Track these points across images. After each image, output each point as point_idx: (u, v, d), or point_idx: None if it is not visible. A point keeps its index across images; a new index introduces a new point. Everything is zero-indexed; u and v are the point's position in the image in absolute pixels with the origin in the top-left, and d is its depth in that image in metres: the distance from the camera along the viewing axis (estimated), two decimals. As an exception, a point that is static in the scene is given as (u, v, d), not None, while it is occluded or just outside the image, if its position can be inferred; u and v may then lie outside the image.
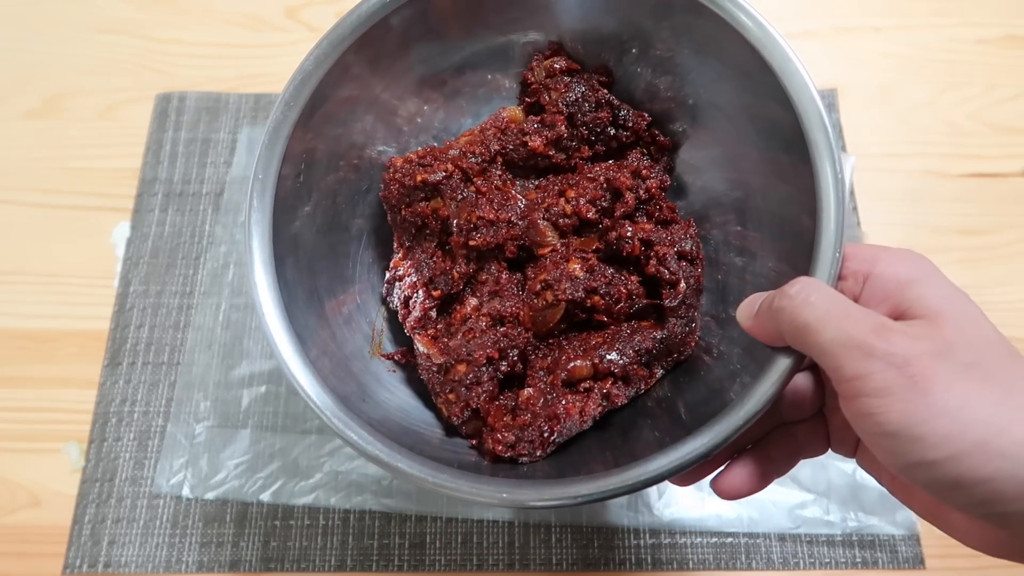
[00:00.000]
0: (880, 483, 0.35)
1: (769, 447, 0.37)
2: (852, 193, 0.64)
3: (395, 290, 0.46)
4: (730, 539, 0.53)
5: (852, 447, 0.36)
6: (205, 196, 0.65)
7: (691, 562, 0.53)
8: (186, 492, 0.55)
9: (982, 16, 0.72)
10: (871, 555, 0.52)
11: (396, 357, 0.46)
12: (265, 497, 0.54)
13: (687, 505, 0.54)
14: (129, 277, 0.62)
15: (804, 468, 0.54)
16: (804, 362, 0.34)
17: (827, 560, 0.52)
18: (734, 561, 0.53)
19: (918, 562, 0.52)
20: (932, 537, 0.53)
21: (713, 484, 0.36)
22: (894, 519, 0.53)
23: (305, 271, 0.42)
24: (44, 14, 0.73)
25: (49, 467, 0.56)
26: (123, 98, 0.69)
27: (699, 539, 0.53)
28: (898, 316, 0.30)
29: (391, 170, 0.45)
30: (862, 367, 0.27)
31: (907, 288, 0.31)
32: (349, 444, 0.36)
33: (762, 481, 0.36)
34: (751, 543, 0.53)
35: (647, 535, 0.53)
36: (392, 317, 0.47)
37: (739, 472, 0.36)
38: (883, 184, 0.65)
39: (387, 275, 0.47)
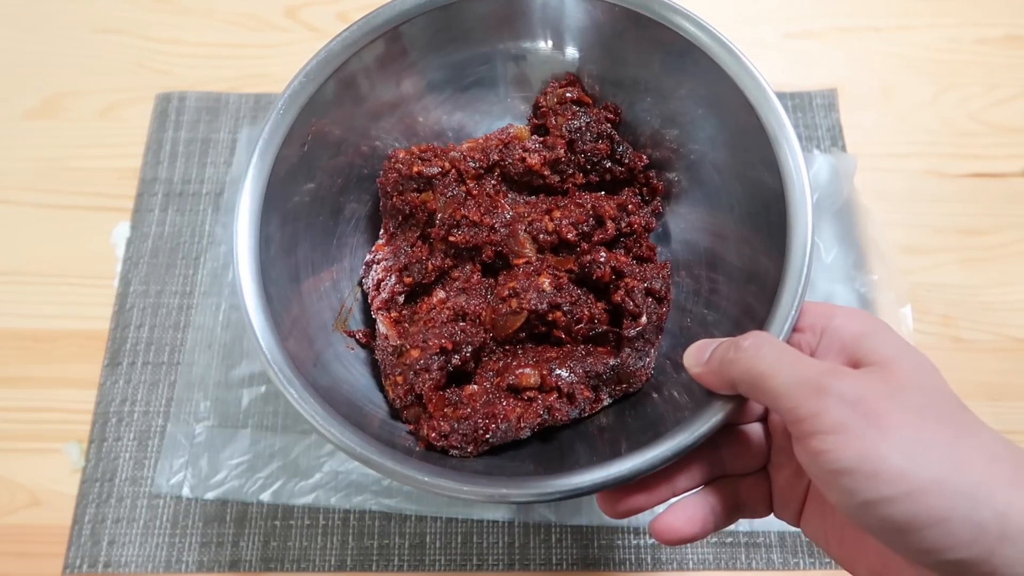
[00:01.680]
0: (827, 551, 0.35)
1: (710, 495, 0.36)
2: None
3: (371, 272, 0.48)
4: (730, 539, 0.53)
5: (796, 511, 0.36)
6: (205, 196, 0.65)
7: (691, 562, 0.53)
8: (186, 492, 0.54)
9: (982, 16, 0.72)
10: (871, 555, 0.52)
11: (358, 336, 0.47)
12: (265, 497, 0.54)
13: (687, 505, 0.54)
14: (129, 277, 0.62)
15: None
16: (744, 413, 0.34)
17: (827, 560, 0.52)
18: (734, 561, 0.53)
19: (918, 562, 0.52)
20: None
21: (652, 525, 0.35)
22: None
23: (289, 234, 0.43)
24: (44, 14, 0.73)
25: (49, 467, 0.56)
26: (123, 98, 0.69)
27: (699, 539, 0.53)
28: (853, 366, 0.31)
29: (392, 159, 0.47)
30: (815, 405, 0.28)
31: (862, 340, 0.32)
32: (292, 402, 0.36)
33: (702, 527, 0.35)
34: (751, 543, 0.53)
35: (647, 535, 0.53)
36: (364, 300, 0.48)
37: (678, 514, 0.35)
38: (883, 184, 0.65)
39: (367, 257, 0.49)
